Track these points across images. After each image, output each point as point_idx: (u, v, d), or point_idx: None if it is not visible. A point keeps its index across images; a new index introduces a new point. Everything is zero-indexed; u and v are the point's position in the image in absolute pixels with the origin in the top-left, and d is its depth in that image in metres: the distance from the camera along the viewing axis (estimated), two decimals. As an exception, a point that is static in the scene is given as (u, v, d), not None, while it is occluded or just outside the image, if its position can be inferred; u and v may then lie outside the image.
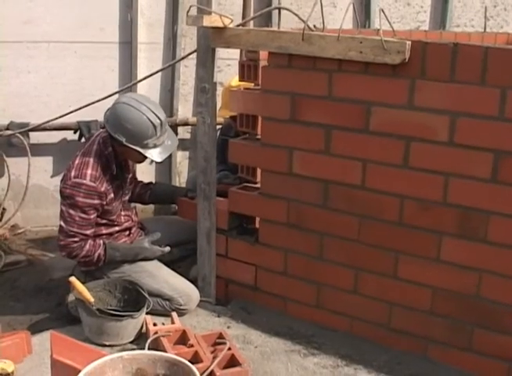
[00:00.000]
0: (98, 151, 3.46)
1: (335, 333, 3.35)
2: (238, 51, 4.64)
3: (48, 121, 4.65)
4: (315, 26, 3.31)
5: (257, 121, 3.50)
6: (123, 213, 3.65)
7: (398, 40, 2.83)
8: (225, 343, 3.00)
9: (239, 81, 3.72)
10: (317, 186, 3.24)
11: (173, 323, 3.22)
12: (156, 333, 3.09)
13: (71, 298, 3.48)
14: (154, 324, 3.21)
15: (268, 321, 3.46)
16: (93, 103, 4.29)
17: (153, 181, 5.09)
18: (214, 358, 2.88)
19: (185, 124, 5.43)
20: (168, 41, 5.29)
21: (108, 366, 2.38)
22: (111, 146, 3.47)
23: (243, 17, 4.75)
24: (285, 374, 3.02)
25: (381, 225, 3.11)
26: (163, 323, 3.27)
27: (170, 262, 3.76)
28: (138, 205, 4.34)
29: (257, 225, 3.63)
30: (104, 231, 3.54)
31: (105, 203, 3.44)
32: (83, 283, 3.29)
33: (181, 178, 5.58)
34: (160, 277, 3.52)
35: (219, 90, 3.89)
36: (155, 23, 5.24)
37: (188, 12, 3.26)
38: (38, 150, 5.04)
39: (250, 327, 3.40)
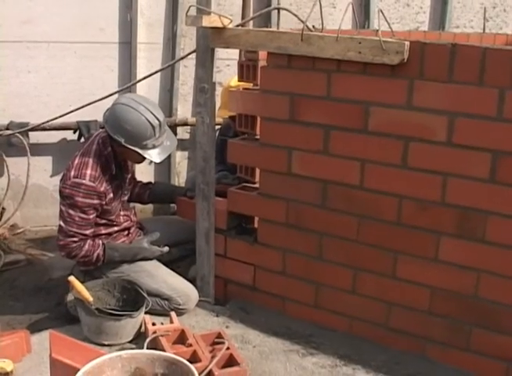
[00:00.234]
0: (97, 151, 3.46)
1: (334, 333, 3.36)
2: (237, 51, 4.63)
3: (47, 121, 4.65)
4: (314, 26, 3.32)
5: (256, 121, 3.50)
6: (122, 213, 3.65)
7: (397, 40, 2.84)
8: (223, 343, 3.01)
9: (239, 81, 3.72)
10: (316, 186, 3.24)
11: (172, 322, 3.23)
12: (154, 332, 3.09)
13: (70, 297, 3.48)
14: (153, 324, 3.21)
15: (266, 321, 3.46)
16: (93, 102, 4.29)
17: (153, 181, 5.11)
18: (213, 357, 2.89)
19: (185, 124, 5.43)
20: (168, 41, 5.29)
21: (107, 366, 2.38)
22: (110, 146, 3.48)
23: (243, 17, 4.76)
24: (283, 374, 3.03)
25: (380, 225, 3.11)
26: (162, 323, 3.28)
27: (169, 262, 3.76)
28: (138, 205, 4.34)
29: (255, 225, 3.64)
30: (103, 231, 3.55)
31: (104, 203, 3.44)
32: (82, 282, 3.30)
33: (180, 179, 5.59)
34: (158, 277, 3.53)
35: (218, 90, 3.90)
36: (154, 24, 5.24)
37: (187, 12, 3.26)
38: (38, 149, 5.05)
39: (248, 327, 3.40)
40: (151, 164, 5.28)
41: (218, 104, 3.80)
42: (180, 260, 4.06)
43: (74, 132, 5.06)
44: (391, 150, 3.00)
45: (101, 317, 3.18)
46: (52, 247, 4.47)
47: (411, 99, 2.89)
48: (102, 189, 3.39)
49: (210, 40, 3.30)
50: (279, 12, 5.20)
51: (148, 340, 3.04)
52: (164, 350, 2.86)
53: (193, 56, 3.47)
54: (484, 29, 5.21)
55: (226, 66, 5.36)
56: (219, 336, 3.11)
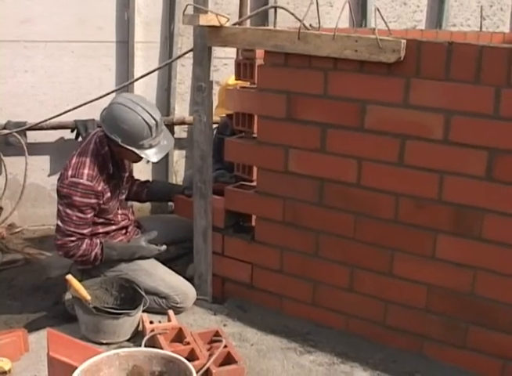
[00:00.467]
0: (94, 150, 3.46)
1: (331, 331, 3.36)
2: (234, 50, 4.64)
3: (45, 120, 4.65)
4: (311, 25, 3.32)
5: (253, 119, 3.51)
6: (120, 212, 3.66)
7: (394, 39, 2.85)
8: (221, 341, 3.01)
9: (236, 79, 3.72)
10: (313, 184, 3.25)
11: (169, 321, 3.23)
12: (152, 331, 3.10)
13: (68, 296, 3.48)
14: (151, 322, 3.22)
15: (264, 319, 3.47)
16: (90, 101, 4.29)
17: (150, 180, 5.11)
18: (211, 355, 2.89)
19: (182, 123, 5.43)
20: (165, 40, 5.29)
21: (104, 364, 2.38)
22: (107, 146, 3.47)
23: (240, 16, 4.77)
24: (281, 372, 3.03)
25: (377, 223, 3.12)
26: (159, 321, 3.29)
27: (167, 261, 3.77)
28: (135, 204, 4.35)
29: (253, 224, 3.64)
30: (101, 230, 3.55)
31: (102, 202, 3.44)
32: (80, 281, 3.30)
33: (177, 177, 5.59)
34: (156, 275, 3.53)
35: (215, 89, 3.91)
36: (152, 22, 5.24)
37: (184, 11, 3.26)
38: (35, 149, 5.04)
39: (246, 325, 3.41)
40: (149, 163, 5.28)
41: (215, 103, 3.80)
42: (178, 258, 4.07)
43: (72, 131, 5.07)
44: (387, 148, 3.00)
45: (99, 316, 3.18)
46: (49, 247, 4.48)
47: (407, 97, 2.89)
48: (99, 188, 3.39)
49: (208, 39, 3.30)
50: (275, 11, 5.21)
51: (146, 338, 3.04)
52: (161, 348, 2.87)
53: (191, 55, 3.47)
54: (481, 27, 5.21)
55: (224, 65, 5.37)
56: (217, 334, 3.11)
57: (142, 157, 3.48)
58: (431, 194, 2.95)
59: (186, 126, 5.50)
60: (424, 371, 3.05)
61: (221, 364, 2.90)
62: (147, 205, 5.25)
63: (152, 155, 3.45)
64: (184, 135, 5.57)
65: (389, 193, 3.05)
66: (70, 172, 3.36)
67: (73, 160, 3.41)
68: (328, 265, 3.32)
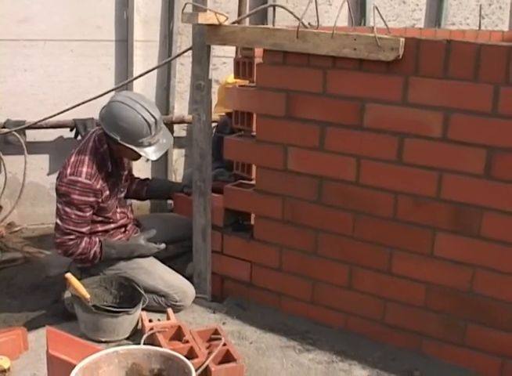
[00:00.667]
0: (93, 149, 3.46)
1: (330, 329, 3.37)
2: (234, 49, 4.65)
3: (44, 119, 4.65)
4: (310, 23, 3.32)
5: (252, 117, 3.51)
6: (118, 210, 3.66)
7: (392, 37, 2.85)
8: (220, 339, 3.01)
9: (235, 78, 3.73)
10: (312, 182, 3.25)
11: (168, 319, 3.24)
12: (151, 329, 3.10)
13: (67, 294, 3.49)
14: (150, 320, 3.23)
15: (263, 317, 3.47)
16: (89, 100, 4.29)
17: (150, 178, 5.12)
18: (210, 354, 2.89)
19: (181, 121, 5.44)
20: (164, 38, 5.30)
21: (103, 361, 2.39)
22: (106, 144, 3.48)
23: (239, 15, 4.76)
24: (280, 370, 3.03)
25: (375, 221, 3.12)
26: (158, 320, 3.29)
27: (166, 259, 3.77)
28: (135, 202, 4.35)
29: (252, 222, 3.64)
30: (100, 228, 3.55)
31: (100, 200, 3.44)
32: (79, 279, 3.30)
33: (177, 176, 5.59)
34: (155, 274, 3.53)
35: (215, 88, 3.91)
36: (151, 21, 5.24)
37: (183, 9, 3.26)
38: (35, 147, 5.05)
39: (245, 323, 3.41)
40: (148, 162, 5.28)
41: (214, 101, 3.80)
42: (177, 257, 4.07)
43: (71, 130, 5.07)
44: (386, 146, 3.00)
45: (98, 314, 3.18)
46: (48, 245, 4.48)
47: (406, 95, 2.90)
48: (98, 186, 3.39)
49: (206, 37, 3.30)
50: (274, 10, 5.21)
51: (145, 336, 3.05)
52: (160, 347, 2.87)
53: (190, 53, 3.47)
54: (479, 26, 5.21)
55: (223, 63, 5.37)
56: (216, 332, 3.11)
57: (141, 155, 3.48)
58: (430, 192, 2.95)
59: (186, 125, 5.50)
60: (423, 369, 3.05)
61: (220, 362, 2.90)
62: (146, 203, 5.25)
63: (151, 153, 3.45)
64: (183, 133, 5.58)
65: (388, 191, 3.06)
66: (68, 170, 3.36)
67: (72, 159, 3.41)
68: (327, 264, 3.32)
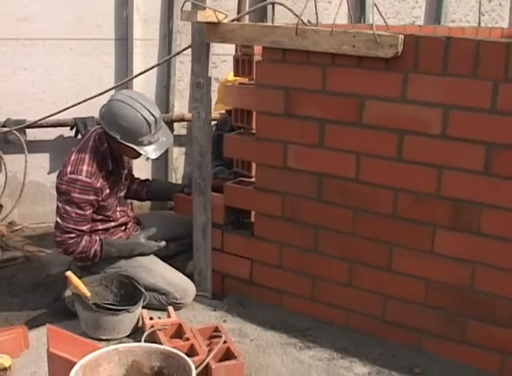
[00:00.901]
0: (93, 147, 3.47)
1: (330, 326, 3.37)
2: (233, 46, 4.65)
3: (44, 118, 4.65)
4: (309, 21, 3.32)
5: (251, 115, 3.51)
6: (118, 209, 3.66)
7: (391, 34, 2.85)
8: (220, 336, 3.01)
9: (234, 76, 3.73)
10: (311, 179, 3.26)
11: (169, 317, 3.24)
12: (152, 327, 3.10)
13: (68, 293, 3.49)
14: (150, 318, 3.23)
15: (263, 315, 3.48)
16: (89, 99, 4.29)
17: (150, 177, 5.12)
18: (210, 351, 2.89)
19: (181, 120, 5.44)
20: (164, 37, 5.30)
21: (103, 359, 2.39)
22: (106, 143, 3.48)
23: (238, 12, 4.76)
24: (280, 367, 3.04)
25: (375, 218, 3.13)
26: (159, 317, 3.29)
27: (166, 257, 3.78)
28: (136, 201, 4.35)
29: (252, 220, 3.64)
30: (100, 227, 3.55)
31: (101, 199, 3.45)
32: (79, 278, 3.31)
33: (177, 174, 5.59)
34: (156, 272, 3.54)
35: (214, 86, 3.91)
36: (150, 20, 5.24)
37: (182, 7, 3.27)
38: (35, 146, 5.05)
39: (245, 321, 3.42)
40: (148, 160, 5.29)
41: (214, 99, 3.80)
42: (177, 255, 4.07)
43: (71, 129, 5.07)
44: (385, 143, 3.01)
45: (99, 312, 3.19)
46: (49, 244, 4.48)
47: (405, 92, 2.90)
48: (98, 185, 3.40)
49: (206, 35, 3.30)
50: (273, 7, 5.21)
51: (145, 334, 3.05)
52: (161, 344, 2.87)
53: (190, 51, 3.47)
54: (479, 23, 5.21)
55: (222, 61, 5.37)
56: (216, 330, 3.11)
57: (141, 154, 3.48)
58: (430, 189, 2.95)
59: (186, 123, 5.50)
60: (423, 366, 3.05)
61: (221, 360, 2.90)
62: (147, 202, 5.25)
63: (151, 152, 3.46)
64: (183, 131, 5.57)
65: (387, 188, 3.06)
66: (69, 169, 3.36)
67: (73, 157, 3.41)
68: (327, 261, 3.32)
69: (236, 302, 3.61)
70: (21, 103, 4.99)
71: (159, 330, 3.06)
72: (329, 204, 3.24)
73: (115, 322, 3.20)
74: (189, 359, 2.38)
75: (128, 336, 3.25)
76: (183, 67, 5.36)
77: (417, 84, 2.87)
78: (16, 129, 4.83)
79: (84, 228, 3.42)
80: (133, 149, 3.41)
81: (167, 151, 5.09)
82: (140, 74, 4.34)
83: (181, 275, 3.60)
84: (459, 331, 3.05)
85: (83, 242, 3.42)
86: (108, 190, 3.49)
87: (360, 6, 5.81)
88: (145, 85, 5.21)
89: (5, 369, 2.84)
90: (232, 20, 3.44)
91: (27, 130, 4.95)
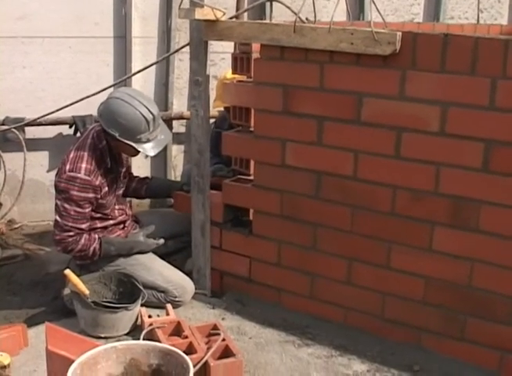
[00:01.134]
0: (92, 145, 3.47)
1: (329, 324, 3.37)
2: (232, 44, 4.64)
3: (43, 116, 4.64)
4: (307, 18, 3.32)
5: (250, 113, 3.51)
6: (117, 207, 3.66)
7: (389, 31, 2.84)
8: (219, 334, 3.01)
9: (232, 73, 3.72)
10: (310, 177, 3.25)
11: (168, 314, 3.24)
12: (151, 325, 3.10)
13: (67, 291, 3.50)
14: (149, 316, 3.23)
15: (262, 312, 3.48)
16: (88, 97, 4.28)
17: (149, 175, 5.12)
18: (209, 349, 2.89)
19: (180, 117, 5.43)
20: (162, 34, 5.29)
21: (101, 357, 2.39)
22: (105, 140, 3.48)
23: (237, 10, 4.75)
24: (279, 365, 3.04)
25: (374, 215, 3.12)
26: (158, 315, 3.30)
27: (165, 255, 3.77)
28: (135, 199, 4.35)
29: (251, 217, 3.64)
30: (98, 225, 3.56)
31: (99, 196, 3.45)
32: (78, 276, 3.31)
33: (176, 172, 5.59)
34: (154, 270, 3.54)
35: (213, 83, 3.90)
36: (149, 17, 5.24)
37: (180, 5, 3.26)
38: (34, 144, 5.05)
39: (244, 319, 3.42)
40: (147, 158, 5.29)
41: (212, 97, 3.79)
42: (176, 253, 4.07)
43: (70, 127, 5.07)
44: (384, 141, 3.00)
45: (97, 310, 3.19)
46: (48, 242, 4.49)
47: (403, 89, 2.89)
48: (97, 182, 3.40)
49: (204, 33, 3.30)
50: (271, 4, 5.20)
51: (144, 332, 3.05)
52: (160, 342, 2.87)
53: (188, 49, 3.47)
54: (478, 20, 5.20)
55: (221, 59, 5.35)
56: (215, 328, 3.11)
57: (139, 151, 3.48)
58: (428, 186, 2.95)
59: (184, 121, 5.49)
60: (422, 363, 3.05)
61: (220, 357, 2.90)
62: (146, 200, 5.24)
63: (149, 149, 3.46)
64: (182, 129, 5.57)
65: (386, 186, 3.06)
66: (67, 167, 3.37)
67: (71, 155, 3.42)
68: (326, 258, 3.32)
69: (234, 300, 3.61)
70: (20, 101, 4.99)
71: (157, 328, 3.06)
72: (328, 202, 3.24)
73: (114, 320, 3.20)
74: (187, 357, 2.38)
75: (126, 334, 3.25)
76: (182, 65, 5.35)
77: (415, 81, 2.86)
78: (15, 127, 4.81)
79: (83, 226, 3.42)
80: (131, 146, 3.41)
81: (165, 149, 5.10)
82: (139, 71, 4.33)
83: (179, 273, 3.60)
84: (459, 329, 3.05)
85: (82, 240, 3.42)
86: (107, 188, 3.49)
87: (359, 3, 5.80)
88: (144, 83, 5.20)
89: (4, 367, 2.84)
90: (231, 18, 3.44)
91: (26, 128, 4.94)
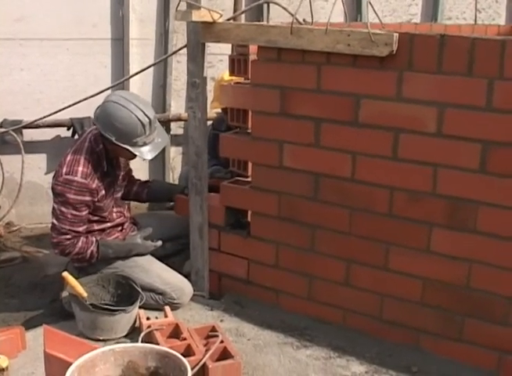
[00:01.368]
0: (89, 148, 3.47)
1: (328, 325, 3.36)
2: (230, 46, 4.64)
3: (41, 118, 4.63)
4: (304, 20, 3.32)
5: (247, 115, 3.51)
6: (115, 210, 3.66)
7: (386, 32, 2.85)
8: (217, 336, 3.01)
9: (230, 75, 3.72)
10: (308, 178, 3.25)
11: (166, 317, 3.24)
12: (149, 327, 3.10)
13: (65, 294, 3.49)
14: (147, 318, 3.23)
15: (260, 314, 3.48)
16: (86, 99, 4.29)
17: (147, 177, 5.14)
18: (207, 351, 2.89)
19: (178, 119, 5.44)
20: (160, 36, 5.30)
21: (99, 359, 2.39)
22: (102, 144, 3.48)
23: (234, 12, 4.76)
24: (277, 366, 3.04)
25: (372, 217, 3.12)
26: (156, 317, 3.29)
27: (164, 257, 3.77)
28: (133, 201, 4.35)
29: (249, 219, 3.64)
30: (96, 227, 3.55)
31: (96, 199, 3.45)
32: (76, 278, 3.31)
33: (175, 174, 5.59)
34: (152, 272, 3.54)
35: (210, 85, 3.89)
36: (146, 19, 5.24)
37: (177, 7, 3.26)
38: (32, 147, 5.05)
39: (243, 321, 3.42)
40: (145, 161, 5.26)
41: (210, 99, 3.79)
42: (174, 255, 4.06)
43: (68, 129, 5.08)
44: (381, 142, 3.00)
45: (95, 312, 3.19)
46: (47, 245, 4.46)
47: (400, 90, 2.89)
48: (93, 185, 3.39)
49: (201, 35, 3.30)
50: (268, 6, 5.20)
51: (142, 334, 3.05)
52: (158, 344, 2.87)
53: (186, 51, 3.47)
54: (475, 20, 5.22)
55: (219, 61, 5.35)
56: (213, 329, 3.11)
57: (136, 155, 3.48)
58: (426, 187, 2.95)
59: (182, 123, 5.49)
60: (421, 364, 3.05)
61: (218, 359, 2.90)
62: (144, 202, 5.25)
63: (146, 153, 3.45)
64: (180, 131, 5.57)
65: (384, 187, 3.05)
66: (64, 170, 3.36)
67: (68, 158, 3.42)
68: (324, 260, 3.32)
69: (233, 302, 3.60)
70: (18, 104, 4.99)
71: (156, 330, 3.06)
72: (326, 204, 3.23)
73: (112, 322, 3.20)
74: (184, 360, 2.38)
75: (125, 336, 3.24)
76: (180, 67, 5.36)
77: (412, 82, 2.86)
78: (12, 130, 4.82)
79: (80, 229, 3.42)
80: (128, 150, 3.40)
81: (164, 151, 5.11)
82: (136, 73, 4.34)
83: (178, 275, 3.60)
84: (457, 330, 3.04)
85: (79, 243, 3.42)
86: (104, 191, 3.48)
87: (356, 4, 5.80)
88: (141, 85, 5.22)
89: (2, 370, 2.84)
90: (228, 20, 3.44)
91: (24, 130, 4.94)
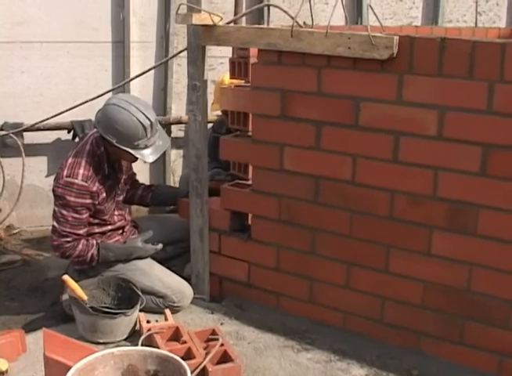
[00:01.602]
0: (90, 151, 3.47)
1: (328, 328, 3.36)
2: (230, 49, 4.65)
3: (41, 121, 4.66)
4: (305, 23, 3.32)
5: (248, 117, 3.51)
6: (116, 213, 3.66)
7: (386, 35, 2.85)
8: (217, 339, 3.01)
9: (230, 78, 3.73)
10: (308, 181, 3.25)
11: (166, 320, 3.24)
12: (149, 330, 3.10)
13: (66, 297, 3.49)
14: (148, 321, 3.23)
15: (261, 317, 3.47)
16: (86, 102, 4.30)
17: (148, 180, 5.14)
18: (207, 354, 2.89)
19: (179, 122, 5.43)
20: (161, 39, 5.30)
21: (99, 363, 2.39)
22: (103, 147, 3.48)
23: (235, 15, 4.76)
24: (278, 370, 3.03)
25: (372, 219, 3.12)
26: (156, 321, 3.29)
27: (164, 260, 3.77)
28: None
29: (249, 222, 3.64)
30: (97, 230, 3.55)
31: (97, 202, 3.45)
32: (77, 281, 3.31)
33: (175, 177, 5.59)
34: (153, 275, 3.53)
35: (211, 88, 3.90)
36: (147, 22, 5.25)
37: (177, 10, 3.26)
38: (33, 150, 5.05)
39: (243, 324, 3.41)
40: (146, 163, 5.27)
41: (210, 101, 3.79)
42: (175, 258, 4.06)
43: (69, 132, 5.08)
44: (382, 145, 3.00)
45: (96, 315, 3.19)
46: (47, 247, 4.47)
47: (401, 93, 2.89)
48: (94, 188, 3.39)
49: (201, 38, 3.30)
50: (269, 9, 5.20)
51: (143, 337, 3.05)
52: (158, 347, 2.87)
53: (186, 54, 3.47)
54: (476, 23, 5.22)
55: (220, 63, 5.36)
56: (213, 333, 3.11)
57: (137, 158, 3.48)
58: (426, 190, 2.95)
59: (183, 125, 5.49)
60: (421, 367, 3.05)
61: (218, 363, 2.90)
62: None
63: (147, 155, 3.45)
64: (181, 134, 5.58)
65: (384, 190, 3.05)
66: (65, 172, 3.37)
67: (69, 161, 3.42)
68: (324, 263, 3.32)
69: (233, 305, 3.60)
70: (18, 106, 4.99)
71: (156, 333, 3.06)
72: (326, 207, 3.23)
73: (112, 325, 3.19)
74: (184, 363, 2.38)
75: (125, 339, 3.24)
76: (180, 70, 5.36)
77: (413, 85, 2.86)
78: (13, 133, 4.83)
79: (80, 232, 3.42)
80: (129, 153, 3.40)
81: (164, 154, 5.08)
82: (137, 76, 4.35)
83: (178, 278, 3.59)
84: (457, 333, 3.04)
85: (80, 246, 3.42)
86: (104, 194, 3.48)
87: (357, 7, 5.80)
88: (142, 88, 5.21)
89: (2, 373, 2.85)
90: (228, 23, 3.44)
91: (25, 133, 4.95)
